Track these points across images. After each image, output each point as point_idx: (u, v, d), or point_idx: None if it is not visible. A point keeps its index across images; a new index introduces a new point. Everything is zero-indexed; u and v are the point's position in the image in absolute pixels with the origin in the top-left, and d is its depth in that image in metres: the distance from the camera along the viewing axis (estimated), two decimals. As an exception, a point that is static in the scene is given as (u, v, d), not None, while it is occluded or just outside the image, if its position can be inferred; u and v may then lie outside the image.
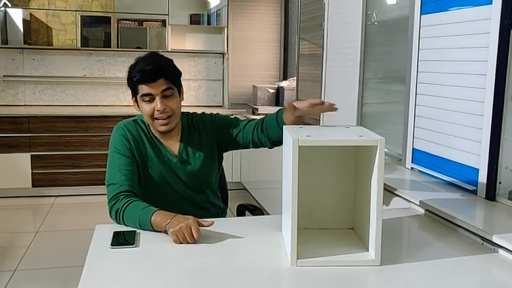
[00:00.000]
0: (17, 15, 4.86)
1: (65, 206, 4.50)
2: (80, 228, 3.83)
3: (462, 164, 1.93)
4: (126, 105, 5.10)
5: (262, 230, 1.60)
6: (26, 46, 4.95)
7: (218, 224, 1.56)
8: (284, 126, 1.55)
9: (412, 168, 2.27)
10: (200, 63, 5.41)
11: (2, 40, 4.81)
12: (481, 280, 1.39)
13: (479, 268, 1.40)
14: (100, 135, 4.66)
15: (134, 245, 1.47)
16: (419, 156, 2.22)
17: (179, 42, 5.24)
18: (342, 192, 1.56)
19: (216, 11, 5.27)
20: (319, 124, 3.39)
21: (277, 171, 2.12)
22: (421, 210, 1.79)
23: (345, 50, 3.08)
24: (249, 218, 2.02)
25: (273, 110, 1.92)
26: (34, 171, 4.61)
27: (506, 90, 1.71)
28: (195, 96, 5.43)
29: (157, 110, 1.78)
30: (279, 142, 1.82)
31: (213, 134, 1.95)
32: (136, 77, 1.78)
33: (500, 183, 1.76)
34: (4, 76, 4.98)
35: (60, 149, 4.65)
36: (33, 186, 4.63)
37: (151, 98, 1.79)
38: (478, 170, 1.83)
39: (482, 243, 1.48)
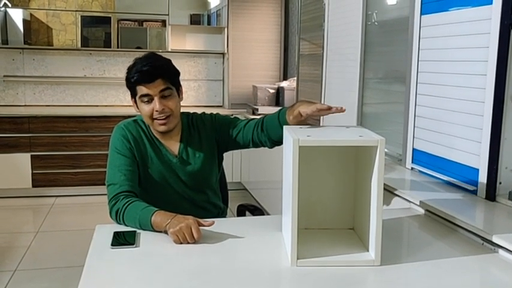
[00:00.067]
0: (17, 16, 4.86)
1: (65, 206, 4.50)
2: (80, 228, 3.83)
3: (462, 164, 1.93)
4: (126, 106, 5.09)
5: (262, 230, 1.60)
6: (26, 46, 4.95)
7: (218, 224, 1.56)
8: (284, 126, 1.55)
9: (412, 168, 2.27)
10: (200, 63, 5.41)
11: (2, 40, 4.81)
12: (481, 280, 1.39)
13: (479, 268, 1.40)
14: (100, 135, 4.66)
15: (134, 245, 1.47)
16: (420, 157, 2.22)
17: (179, 43, 5.24)
18: (342, 193, 1.56)
19: (216, 11, 5.27)
20: (319, 124, 3.39)
21: (278, 171, 2.11)
22: (421, 211, 1.79)
23: (345, 50, 3.08)
24: (249, 218, 2.02)
25: (273, 110, 1.92)
26: (34, 172, 4.61)
27: (506, 90, 1.71)
28: (195, 96, 5.43)
29: (156, 111, 1.78)
30: (279, 142, 1.81)
31: (213, 134, 1.95)
32: (134, 78, 1.78)
33: (500, 183, 1.76)
34: (4, 76, 4.98)
35: (60, 149, 4.65)
36: (33, 186, 4.63)
37: (149, 98, 1.79)
38: (478, 170, 1.83)
39: (483, 244, 1.48)
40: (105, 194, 1.74)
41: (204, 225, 1.52)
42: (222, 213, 2.03)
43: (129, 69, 1.81)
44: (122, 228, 1.61)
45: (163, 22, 5.14)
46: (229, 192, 2.29)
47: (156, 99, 1.78)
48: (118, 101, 5.23)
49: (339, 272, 1.30)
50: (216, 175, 1.98)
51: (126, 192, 1.71)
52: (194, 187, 1.90)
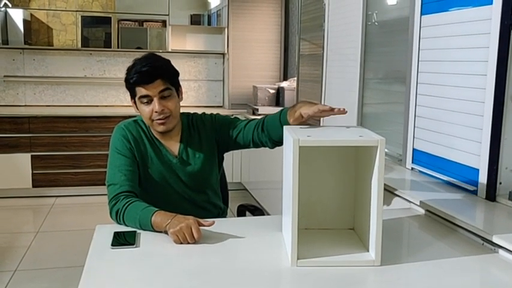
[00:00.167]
0: (17, 16, 4.86)
1: (65, 207, 4.50)
2: (80, 228, 3.83)
3: (462, 165, 1.93)
4: (126, 106, 5.09)
5: (262, 230, 1.60)
6: (27, 46, 4.95)
7: (218, 224, 1.56)
8: (284, 126, 1.55)
9: (412, 168, 2.27)
10: (200, 63, 5.42)
11: (2, 40, 4.82)
12: (481, 280, 1.39)
13: (479, 268, 1.40)
14: (100, 135, 4.66)
15: (134, 245, 1.47)
16: (420, 157, 2.22)
17: (179, 43, 5.24)
18: (342, 193, 1.56)
19: (217, 11, 5.27)
20: (319, 124, 3.39)
21: (278, 171, 2.11)
22: (422, 211, 1.79)
23: (345, 51, 3.08)
24: (249, 219, 2.02)
25: (273, 110, 1.92)
26: (34, 172, 4.62)
27: (506, 90, 1.71)
28: (196, 96, 5.43)
29: (156, 111, 1.78)
30: (280, 142, 1.81)
31: (213, 134, 1.95)
32: (133, 79, 1.77)
33: (500, 183, 1.76)
34: (4, 76, 4.98)
35: (60, 149, 4.65)
36: (33, 186, 4.63)
37: (149, 99, 1.79)
38: (478, 170, 1.83)
39: (483, 244, 1.48)
40: (105, 194, 1.74)
41: (204, 225, 1.52)
42: (222, 214, 2.03)
43: (129, 70, 1.81)
44: (122, 228, 1.61)
45: (164, 22, 5.14)
46: (229, 192, 2.29)
47: (155, 100, 1.78)
48: (118, 101, 5.23)
49: (339, 272, 1.30)
50: (216, 175, 1.98)
51: (127, 192, 1.71)
52: (194, 187, 1.90)
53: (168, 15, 5.09)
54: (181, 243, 1.46)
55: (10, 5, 4.86)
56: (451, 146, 2.01)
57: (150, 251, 1.45)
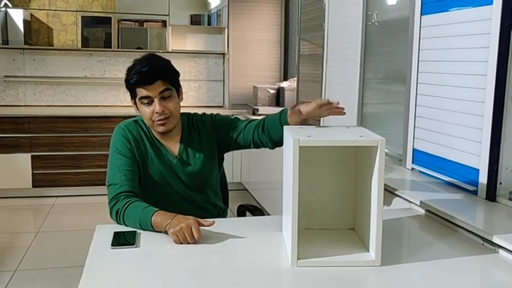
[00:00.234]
0: (17, 16, 4.87)
1: (66, 207, 4.50)
2: (80, 228, 3.83)
3: (462, 165, 1.93)
4: (126, 106, 5.09)
5: (262, 231, 1.60)
6: (27, 46, 4.95)
7: (218, 225, 1.56)
8: (284, 127, 1.55)
9: (412, 168, 2.27)
10: (200, 63, 5.42)
11: (2, 40, 4.82)
12: (482, 280, 1.39)
13: (479, 268, 1.40)
14: (100, 135, 4.66)
15: (135, 245, 1.47)
16: (420, 157, 2.22)
17: (180, 43, 5.24)
18: (342, 193, 1.56)
19: (217, 11, 5.27)
20: (319, 124, 3.39)
21: (278, 171, 2.11)
22: (422, 211, 1.79)
23: (345, 51, 3.08)
24: (249, 219, 2.02)
25: (274, 110, 1.92)
26: (34, 172, 4.62)
27: (506, 90, 1.71)
28: (196, 96, 5.43)
29: (156, 112, 1.78)
30: (280, 142, 1.81)
31: (213, 134, 1.95)
32: (134, 80, 1.77)
33: (500, 183, 1.76)
34: (5, 76, 4.98)
35: (60, 150, 4.65)
36: (33, 186, 4.63)
37: (149, 100, 1.79)
38: (478, 170, 1.83)
39: (483, 244, 1.48)
40: (106, 194, 1.74)
41: (204, 225, 1.52)
42: (222, 214, 2.03)
43: (129, 70, 1.80)
44: (122, 228, 1.61)
45: (164, 22, 5.14)
46: (229, 192, 2.29)
47: (156, 100, 1.78)
48: (118, 101, 5.23)
49: (339, 273, 1.30)
50: (216, 175, 1.98)
51: (127, 192, 1.71)
52: (194, 187, 1.90)
53: (168, 15, 5.09)
54: (181, 243, 1.46)
55: (10, 5, 4.86)
56: (451, 146, 2.01)
57: (150, 251, 1.45)
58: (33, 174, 4.61)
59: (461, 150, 1.94)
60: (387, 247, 1.37)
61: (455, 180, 1.96)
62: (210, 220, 1.55)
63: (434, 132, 2.12)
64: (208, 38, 5.34)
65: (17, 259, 3.26)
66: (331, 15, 3.26)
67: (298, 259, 1.33)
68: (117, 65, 5.21)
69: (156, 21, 5.17)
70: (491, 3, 1.76)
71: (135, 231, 1.56)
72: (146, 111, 1.80)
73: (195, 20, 5.30)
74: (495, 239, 1.42)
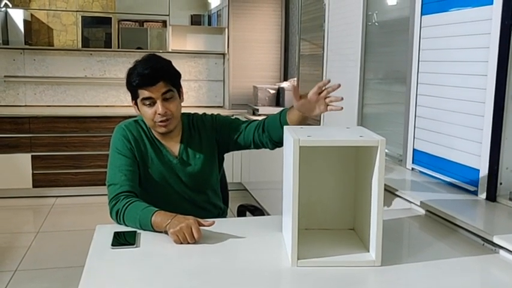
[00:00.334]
0: (17, 16, 4.87)
1: (66, 207, 4.50)
2: (80, 228, 3.83)
3: (463, 165, 1.93)
4: (126, 106, 5.09)
5: (262, 231, 1.60)
6: (27, 47, 4.95)
7: (218, 225, 1.56)
8: (285, 127, 1.55)
9: (412, 168, 2.27)
10: (201, 63, 5.42)
11: (2, 40, 4.82)
12: (482, 281, 1.39)
13: (479, 269, 1.40)
14: (101, 135, 4.66)
15: (135, 245, 1.47)
16: (420, 157, 2.22)
17: (180, 43, 5.24)
18: (342, 193, 1.56)
19: (217, 11, 5.27)
20: (319, 124, 3.39)
21: (278, 171, 2.10)
22: (422, 211, 1.79)
23: (345, 51, 3.08)
24: (249, 219, 2.02)
25: (274, 110, 1.92)
26: (35, 172, 4.62)
27: (506, 90, 1.71)
28: (196, 96, 5.43)
29: (159, 114, 1.78)
30: (280, 143, 1.82)
31: (213, 135, 1.95)
32: (136, 82, 1.77)
33: (501, 183, 1.76)
34: (5, 76, 4.98)
35: (60, 150, 4.65)
36: (33, 186, 4.63)
37: (152, 101, 1.78)
38: (478, 170, 1.83)
39: (483, 244, 1.48)
40: (106, 194, 1.74)
41: (204, 225, 1.52)
42: (222, 214, 2.03)
43: (130, 72, 1.80)
44: (122, 228, 1.61)
45: (164, 22, 5.14)
46: (229, 192, 2.29)
47: (158, 102, 1.78)
48: (119, 101, 5.23)
49: (339, 273, 1.30)
50: (216, 176, 1.98)
51: (127, 192, 1.70)
52: (194, 188, 1.90)
53: (169, 15, 5.09)
54: (182, 243, 1.46)
55: (10, 5, 4.86)
56: (451, 146, 2.01)
57: (150, 251, 1.45)
58: (33, 174, 4.61)
59: (461, 151, 1.94)
60: (387, 247, 1.37)
61: (455, 181, 1.96)
62: (210, 220, 1.55)
63: (434, 133, 2.12)
64: (208, 38, 5.34)
65: (17, 259, 3.26)
66: (332, 16, 3.26)
67: (298, 259, 1.33)
68: (117, 65, 5.21)
69: (156, 21, 5.17)
70: (492, 3, 1.76)
71: (135, 231, 1.56)
72: (148, 112, 1.80)
73: (195, 20, 5.30)
74: (495, 239, 1.42)
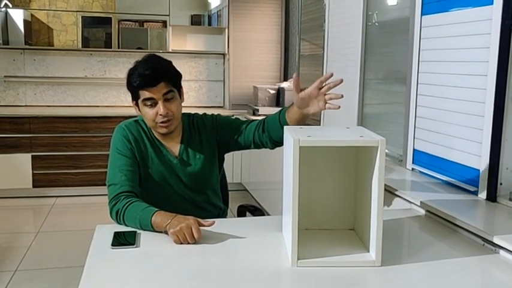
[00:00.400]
0: (17, 16, 4.87)
1: (66, 207, 4.50)
2: (80, 228, 3.83)
3: (463, 165, 1.93)
4: (127, 106, 5.09)
5: (262, 231, 1.60)
6: (27, 47, 4.95)
7: (218, 225, 1.56)
8: (285, 127, 1.55)
9: (412, 169, 2.27)
10: (201, 64, 5.42)
11: (3, 41, 4.82)
12: (482, 281, 1.38)
13: (480, 269, 1.40)
14: (101, 135, 4.67)
15: (135, 245, 1.47)
16: (420, 157, 2.22)
17: (180, 43, 5.24)
18: (342, 193, 1.56)
19: (217, 11, 5.27)
20: (319, 124, 3.39)
21: (278, 171, 2.10)
22: (422, 211, 1.79)
23: (345, 51, 3.08)
24: (249, 219, 2.02)
25: (274, 110, 1.92)
26: (35, 172, 4.62)
27: (507, 90, 1.71)
28: (196, 97, 5.43)
29: (160, 114, 1.78)
30: (280, 142, 1.81)
31: (214, 135, 1.95)
32: (137, 82, 1.77)
33: (501, 184, 1.76)
34: (5, 76, 4.98)
35: (61, 150, 4.65)
36: (33, 186, 4.63)
37: (153, 102, 1.78)
38: (478, 170, 1.83)
39: (483, 244, 1.48)
40: (106, 195, 1.74)
41: (204, 226, 1.52)
42: (222, 214, 2.03)
43: (130, 72, 1.79)
44: (122, 228, 1.61)
45: (164, 23, 5.15)
46: (229, 192, 2.29)
47: (160, 103, 1.77)
48: (119, 101, 5.24)
49: (339, 273, 1.30)
50: (216, 176, 1.98)
51: (127, 192, 1.70)
52: (194, 188, 1.90)
53: (169, 15, 5.10)
54: (182, 243, 1.46)
55: (10, 6, 4.86)
56: (451, 146, 2.00)
57: (150, 251, 1.45)
58: (33, 174, 4.61)
59: (461, 151, 1.94)
60: (387, 247, 1.37)
61: (455, 181, 1.96)
62: (210, 220, 1.55)
63: (434, 133, 2.12)
64: (208, 38, 5.34)
65: (17, 259, 3.26)
66: (332, 16, 3.26)
67: (298, 259, 1.33)
68: (117, 65, 5.21)
69: (157, 21, 5.17)
70: (492, 3, 1.76)
71: (135, 231, 1.56)
72: (149, 113, 1.80)
73: (196, 20, 5.30)
74: (495, 240, 1.42)
